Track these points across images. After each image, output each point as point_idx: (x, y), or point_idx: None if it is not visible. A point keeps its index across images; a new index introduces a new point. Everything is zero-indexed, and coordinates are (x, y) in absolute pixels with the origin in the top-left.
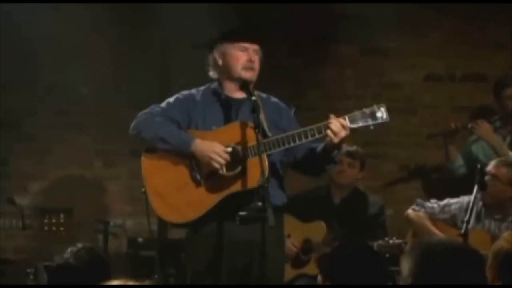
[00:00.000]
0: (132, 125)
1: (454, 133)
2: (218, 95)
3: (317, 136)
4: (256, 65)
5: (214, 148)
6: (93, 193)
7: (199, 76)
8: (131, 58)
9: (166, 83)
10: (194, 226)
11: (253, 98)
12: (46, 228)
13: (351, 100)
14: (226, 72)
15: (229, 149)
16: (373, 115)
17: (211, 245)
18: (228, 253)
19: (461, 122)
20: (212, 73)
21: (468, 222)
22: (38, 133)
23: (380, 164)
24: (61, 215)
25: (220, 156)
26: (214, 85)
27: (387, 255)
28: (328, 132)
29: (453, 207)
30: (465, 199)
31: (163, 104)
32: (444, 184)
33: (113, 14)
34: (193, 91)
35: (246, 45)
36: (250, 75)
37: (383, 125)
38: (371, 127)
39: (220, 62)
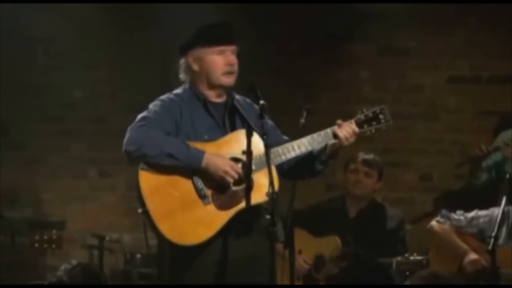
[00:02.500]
0: (128, 140)
1: (485, 156)
2: (201, 100)
3: (325, 141)
4: (236, 67)
5: (229, 162)
6: (88, 205)
7: None
8: (129, 60)
9: (166, 87)
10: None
11: (261, 102)
12: (37, 245)
13: (367, 104)
14: (204, 78)
15: (239, 163)
16: (376, 118)
17: (209, 261)
18: (227, 269)
19: (488, 143)
20: (183, 77)
21: (496, 237)
22: (28, 140)
23: (400, 173)
24: (54, 231)
25: (235, 171)
26: (188, 86)
27: (407, 273)
28: (341, 136)
29: (481, 220)
30: (495, 211)
31: (151, 114)
32: (467, 195)
33: (109, 14)
34: (172, 96)
35: (223, 47)
36: (231, 81)
37: (387, 128)
38: (373, 131)
39: (195, 68)
